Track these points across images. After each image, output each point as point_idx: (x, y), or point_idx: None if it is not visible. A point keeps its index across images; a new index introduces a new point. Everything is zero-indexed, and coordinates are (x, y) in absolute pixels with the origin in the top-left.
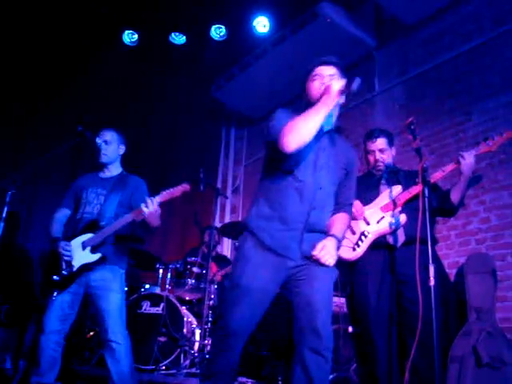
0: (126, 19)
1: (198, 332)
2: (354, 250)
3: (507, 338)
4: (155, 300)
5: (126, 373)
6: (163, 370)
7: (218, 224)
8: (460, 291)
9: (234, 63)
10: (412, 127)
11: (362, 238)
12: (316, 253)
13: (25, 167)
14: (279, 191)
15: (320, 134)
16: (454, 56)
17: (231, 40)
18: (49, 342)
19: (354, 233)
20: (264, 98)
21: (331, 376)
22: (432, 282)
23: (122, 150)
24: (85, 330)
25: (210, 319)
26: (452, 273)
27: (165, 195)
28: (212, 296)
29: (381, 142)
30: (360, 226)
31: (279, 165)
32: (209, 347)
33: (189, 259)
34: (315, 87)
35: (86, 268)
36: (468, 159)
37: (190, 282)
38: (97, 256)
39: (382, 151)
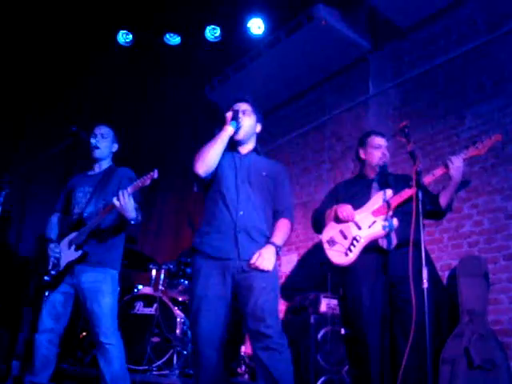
0: (120, 20)
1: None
2: (347, 254)
3: (499, 340)
4: (148, 301)
5: (118, 373)
6: (156, 370)
7: None
8: (452, 293)
9: (229, 64)
10: (406, 131)
11: (354, 242)
12: (253, 261)
13: (18, 167)
14: (212, 207)
15: (237, 156)
16: (447, 59)
17: (226, 41)
18: (42, 341)
19: (345, 237)
20: (258, 99)
21: (323, 378)
22: (425, 285)
23: (114, 148)
24: (77, 331)
25: None
26: (444, 275)
27: (135, 185)
28: None
29: (384, 140)
30: (351, 230)
31: (208, 188)
32: None
33: (182, 260)
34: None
35: (72, 265)
36: (456, 163)
37: (183, 283)
38: (79, 253)
39: (386, 148)
